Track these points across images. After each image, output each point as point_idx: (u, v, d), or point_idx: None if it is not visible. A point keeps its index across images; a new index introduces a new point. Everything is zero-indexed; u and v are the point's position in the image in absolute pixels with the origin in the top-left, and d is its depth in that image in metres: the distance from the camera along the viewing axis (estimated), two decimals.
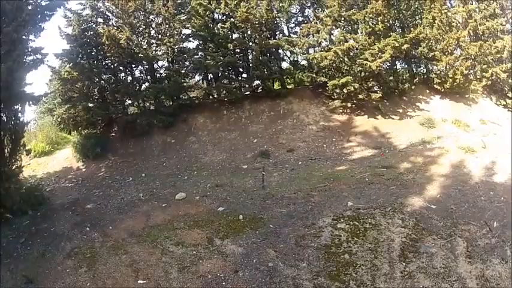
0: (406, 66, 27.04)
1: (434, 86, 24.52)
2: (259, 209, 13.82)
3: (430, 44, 24.20)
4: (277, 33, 26.03)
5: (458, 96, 24.18)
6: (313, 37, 24.12)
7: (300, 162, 19.41)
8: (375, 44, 22.52)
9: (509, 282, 9.82)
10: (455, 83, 23.38)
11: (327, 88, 23.34)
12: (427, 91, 24.86)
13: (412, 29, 24.14)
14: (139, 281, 10.27)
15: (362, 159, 19.08)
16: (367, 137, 21.81)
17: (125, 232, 13.16)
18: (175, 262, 10.85)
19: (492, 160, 16.72)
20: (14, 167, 16.49)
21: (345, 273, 10.16)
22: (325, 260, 10.70)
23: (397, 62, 26.50)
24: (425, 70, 26.31)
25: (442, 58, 23.59)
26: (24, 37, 16.46)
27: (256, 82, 25.12)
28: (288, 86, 26.47)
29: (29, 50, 16.90)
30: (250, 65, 24.62)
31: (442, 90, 24.33)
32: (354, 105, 23.68)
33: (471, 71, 23.99)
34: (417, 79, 25.69)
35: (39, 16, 17.03)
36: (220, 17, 25.28)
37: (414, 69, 27.02)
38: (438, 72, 24.77)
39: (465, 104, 23.92)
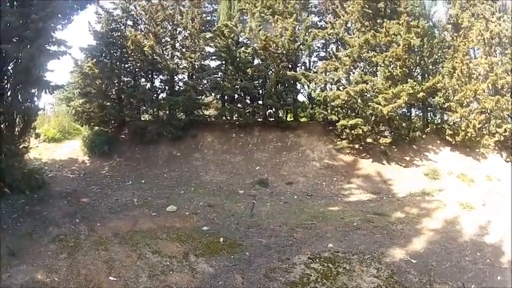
0: (421, 114, 27.09)
1: (446, 137, 24.35)
2: (241, 235, 14.12)
3: (447, 94, 24.11)
4: (298, 65, 26.46)
5: (469, 150, 24.03)
6: (331, 75, 24.38)
7: (295, 196, 19.61)
8: (389, 89, 22.67)
9: None
10: (467, 136, 23.25)
11: (336, 127, 23.54)
12: (438, 141, 24.78)
13: (430, 77, 24.11)
14: (110, 277, 10.78)
15: (357, 202, 19.16)
16: (368, 180, 21.95)
17: (110, 231, 13.71)
18: (147, 268, 11.30)
19: (488, 219, 16.42)
20: (21, 147, 17.26)
21: None
22: None
23: (412, 109, 26.60)
24: (439, 120, 26.22)
25: (458, 109, 23.49)
26: (51, 26, 17.14)
27: (269, 111, 25.45)
28: (300, 119, 26.81)
29: (53, 40, 17.52)
30: (266, 93, 24.94)
31: (453, 142, 24.13)
32: (361, 147, 23.84)
33: (485, 125, 23.83)
34: (429, 128, 25.43)
35: (68, 9, 17.87)
36: (245, 41, 25.81)
37: (429, 118, 26.92)
38: (451, 123, 24.65)
39: (474, 159, 23.76)
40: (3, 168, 15.52)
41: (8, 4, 16.18)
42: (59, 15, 17.58)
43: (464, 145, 23.89)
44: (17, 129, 17.26)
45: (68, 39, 17.68)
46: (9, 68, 16.85)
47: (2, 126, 16.32)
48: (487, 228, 15.53)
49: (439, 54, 25.34)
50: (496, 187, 21.05)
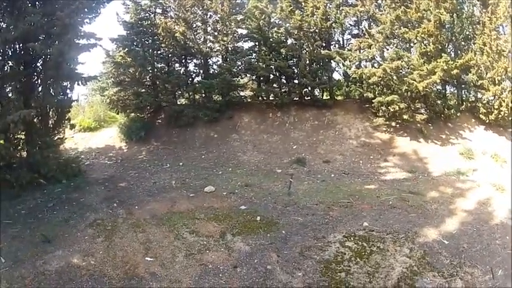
0: (456, 91, 26.83)
1: (480, 115, 23.78)
2: (278, 213, 14.08)
3: (480, 71, 23.46)
4: (332, 43, 26.13)
5: (502, 130, 23.37)
6: (365, 52, 24.05)
7: (332, 175, 19.51)
8: (424, 65, 22.27)
9: None
10: (500, 115, 22.69)
11: (373, 104, 23.35)
12: (473, 120, 24.22)
13: (463, 54, 23.60)
14: (146, 258, 10.85)
15: (393, 181, 18.99)
16: (404, 159, 21.66)
17: (148, 213, 13.79)
18: (184, 248, 11.34)
19: None
20: (56, 138, 17.64)
21: None
22: (321, 274, 10.84)
23: (447, 87, 26.23)
24: (473, 98, 25.58)
25: (490, 88, 22.94)
26: (79, 20, 17.54)
27: (304, 90, 25.26)
28: (336, 98, 26.62)
29: (82, 34, 17.91)
30: (299, 72, 24.73)
31: (487, 121, 23.59)
32: (397, 125, 23.49)
33: None
34: (464, 106, 25.05)
35: (94, 3, 18.25)
36: (277, 21, 25.56)
37: (463, 96, 26.37)
38: (485, 102, 24.04)
39: (507, 139, 22.99)
40: (37, 160, 15.91)
41: (29, 4, 16.46)
42: (86, 10, 17.98)
43: (497, 124, 23.38)
44: (50, 121, 17.68)
45: (98, 31, 18.05)
46: (39, 64, 17.22)
47: (35, 120, 16.50)
48: None
49: (470, 30, 24.70)
50: None
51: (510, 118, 22.58)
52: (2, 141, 15.28)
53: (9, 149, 15.49)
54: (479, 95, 24.60)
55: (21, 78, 16.44)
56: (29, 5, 16.29)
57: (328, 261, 11.28)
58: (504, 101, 22.11)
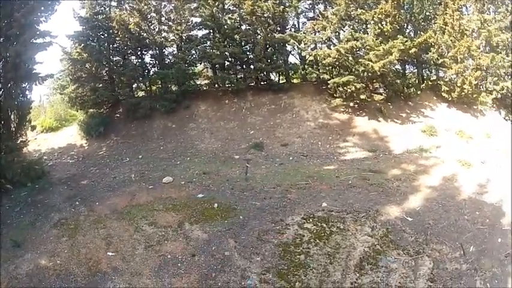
0: (416, 70, 27.25)
1: (442, 93, 24.30)
2: (235, 199, 14.39)
3: (440, 50, 24.05)
4: (287, 27, 26.44)
5: (466, 107, 24.01)
6: (320, 34, 24.34)
7: (290, 158, 19.91)
8: (380, 45, 22.57)
9: None
10: (463, 93, 23.28)
11: (329, 86, 23.58)
12: (435, 98, 24.75)
13: (422, 33, 24.02)
14: (108, 253, 11.27)
15: (353, 160, 19.35)
16: (364, 138, 22.01)
17: (108, 209, 14.17)
18: (144, 240, 11.79)
19: (487, 177, 16.22)
20: (18, 141, 17.69)
21: (294, 274, 10.52)
22: (279, 258, 11.11)
23: (407, 66, 26.68)
24: (435, 77, 26.16)
25: (452, 66, 23.42)
26: (35, 19, 17.64)
27: (260, 75, 25.63)
28: (293, 81, 27.04)
29: (38, 33, 17.98)
30: (254, 57, 25.11)
31: (450, 99, 24.18)
32: (356, 105, 23.87)
33: (481, 82, 23.78)
34: (424, 85, 25.54)
35: (49, 1, 18.23)
36: (230, 8, 25.81)
37: (424, 75, 26.90)
38: (447, 80, 24.49)
39: (472, 116, 23.73)
40: (2, 164, 16.01)
41: None
42: (42, 8, 17.97)
43: (461, 102, 23.95)
44: (12, 125, 17.73)
45: (55, 29, 18.25)
46: None
47: None
48: (486, 186, 15.43)
49: (430, 11, 25.30)
50: (495, 144, 21.00)
51: (474, 95, 23.11)
52: None
53: None
54: (441, 74, 25.27)
55: None
56: None
57: (286, 244, 11.55)
58: (467, 78, 22.65)
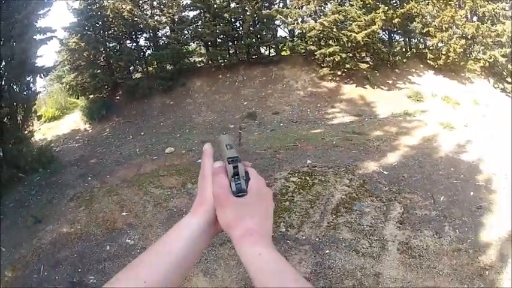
0: (403, 39, 28.57)
1: (428, 61, 25.43)
2: None
3: (425, 20, 25.31)
4: (275, 3, 28.00)
5: (454, 74, 24.99)
6: (305, 8, 25.84)
7: (281, 124, 21.38)
8: (362, 17, 24.07)
9: (435, 257, 9.84)
10: (448, 60, 24.28)
11: (316, 57, 25.02)
12: (422, 66, 25.89)
13: (405, 3, 25.11)
14: (122, 213, 12.73)
15: (339, 124, 20.63)
16: (351, 104, 23.36)
17: (119, 179, 15.57)
18: (152, 200, 13.25)
19: (468, 139, 16.76)
20: (26, 132, 18.91)
21: (279, 216, 11.51)
22: None
23: (394, 35, 28.17)
24: (422, 45, 27.47)
25: (436, 34, 24.62)
26: (35, 16, 19.01)
27: (251, 49, 27.41)
28: (283, 53, 28.53)
29: (39, 29, 19.47)
30: (244, 33, 26.68)
31: (436, 66, 25.22)
32: (343, 74, 25.22)
33: (467, 50, 24.86)
34: (409, 53, 26.88)
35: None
36: None
37: (411, 43, 28.26)
38: (432, 48, 25.67)
39: (459, 82, 24.72)
40: (14, 155, 17.20)
41: None
42: (41, 7, 19.41)
43: (448, 69, 25.03)
44: (19, 117, 18.91)
45: (50, 21, 19.73)
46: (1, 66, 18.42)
47: (5, 119, 17.79)
48: (465, 147, 16.10)
49: None
50: (482, 111, 22.05)
51: (462, 63, 24.39)
52: None
53: None
54: (428, 42, 26.49)
55: None
56: None
57: (274, 194, 12.00)
58: (452, 46, 23.80)
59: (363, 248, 9.95)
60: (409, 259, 9.65)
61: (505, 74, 24.83)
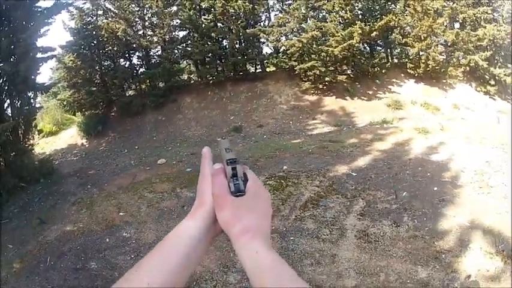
0: (384, 50, 30.56)
1: (408, 70, 27.20)
2: None
3: (403, 31, 27.24)
4: (260, 22, 30.40)
5: (435, 81, 26.70)
6: (284, 27, 27.84)
7: (265, 136, 23.23)
8: (338, 32, 25.99)
9: (390, 242, 10.48)
10: (428, 69, 26.00)
11: (296, 72, 26.97)
12: (402, 75, 27.78)
13: (384, 16, 26.99)
14: (120, 213, 14.21)
15: (318, 134, 22.27)
16: (332, 115, 25.19)
17: (116, 187, 17.05)
18: (146, 202, 14.75)
19: (442, 141, 17.55)
20: (27, 145, 20.24)
21: None
22: None
23: (376, 47, 30.40)
24: (403, 55, 29.57)
25: (415, 44, 26.31)
26: (37, 37, 20.79)
27: (237, 66, 29.58)
28: (268, 70, 30.68)
29: (41, 49, 21.13)
30: (230, 51, 28.75)
31: (416, 75, 26.94)
32: (324, 87, 27.13)
33: (448, 57, 26.53)
34: (389, 63, 28.72)
35: (46, 19, 21.15)
36: (207, 8, 29.43)
37: (390, 54, 30.32)
38: (411, 57, 27.52)
39: (440, 89, 26.48)
40: (18, 165, 18.59)
41: None
42: (41, 26, 20.99)
43: (428, 77, 26.76)
44: (20, 131, 20.07)
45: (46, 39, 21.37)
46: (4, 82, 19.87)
47: (6, 133, 18.56)
48: (437, 148, 16.84)
49: None
50: (462, 114, 23.53)
51: (442, 70, 26.13)
52: None
53: None
54: (410, 52, 28.19)
55: None
56: None
57: None
58: (430, 54, 25.58)
59: (324, 235, 11.26)
60: (364, 243, 10.70)
61: (487, 77, 26.35)
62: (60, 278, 11.16)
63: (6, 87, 19.87)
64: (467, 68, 26.17)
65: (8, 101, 20.16)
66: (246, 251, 1.35)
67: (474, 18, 25.87)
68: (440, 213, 11.55)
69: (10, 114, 20.17)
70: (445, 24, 26.56)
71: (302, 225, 11.88)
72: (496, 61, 26.09)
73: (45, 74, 47.89)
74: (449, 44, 26.56)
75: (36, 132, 22.84)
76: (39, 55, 21.43)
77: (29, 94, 20.99)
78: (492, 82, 26.24)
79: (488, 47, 25.83)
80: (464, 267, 9.29)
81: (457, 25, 27.55)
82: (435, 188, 13.13)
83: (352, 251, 10.46)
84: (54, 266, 11.69)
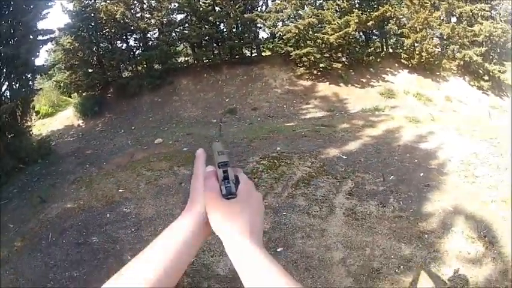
0: (379, 40, 31.14)
1: (402, 60, 27.80)
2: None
3: (399, 22, 27.89)
4: (258, 7, 31.28)
5: (429, 73, 27.27)
6: (281, 13, 28.54)
7: (259, 119, 24.02)
8: (335, 20, 26.68)
9: (376, 220, 11.11)
10: (422, 60, 26.58)
11: (292, 57, 27.60)
12: (396, 65, 28.39)
13: (380, 7, 27.60)
14: (119, 190, 14.78)
15: (311, 118, 22.99)
16: (325, 101, 25.94)
17: (114, 165, 17.64)
18: (144, 179, 15.34)
19: (431, 131, 18.08)
20: (25, 126, 20.92)
21: None
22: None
23: (372, 36, 30.93)
24: (398, 46, 29.87)
25: (410, 35, 26.95)
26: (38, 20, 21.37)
27: (233, 50, 30.15)
28: (264, 54, 31.40)
29: (41, 32, 21.84)
30: (227, 35, 29.51)
31: (410, 65, 27.54)
32: (319, 73, 27.80)
33: (442, 50, 27.12)
34: (384, 53, 29.44)
35: (46, 3, 21.83)
36: None
37: (385, 44, 30.86)
38: (405, 48, 27.93)
39: (434, 81, 27.03)
40: (16, 146, 19.08)
41: None
42: (43, 10, 21.56)
43: (422, 68, 27.35)
44: (17, 112, 20.67)
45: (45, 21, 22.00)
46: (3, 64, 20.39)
47: (5, 115, 19.20)
48: (426, 137, 17.36)
49: None
50: (454, 107, 24.18)
51: (436, 62, 26.73)
52: None
53: None
54: (405, 43, 28.37)
55: None
56: None
57: (246, 173, 14.18)
58: (424, 46, 26.15)
59: (314, 211, 12.00)
60: (352, 220, 11.34)
61: (481, 72, 26.64)
62: (63, 253, 11.67)
63: (4, 70, 20.34)
64: (462, 62, 26.55)
65: (7, 83, 20.57)
66: (237, 251, 1.37)
67: (471, 13, 26.12)
68: (425, 197, 12.17)
69: (8, 96, 20.70)
70: (441, 17, 27.09)
71: (294, 202, 12.57)
72: (491, 57, 26.45)
73: (41, 56, 48.03)
74: (444, 37, 27.04)
75: (34, 114, 23.51)
76: (39, 38, 22.08)
77: (28, 76, 21.56)
78: (486, 77, 26.50)
79: (484, 43, 26.25)
80: (446, 247, 9.83)
81: (453, 19, 27.95)
82: (421, 174, 13.73)
83: (340, 226, 11.16)
84: (56, 242, 12.10)
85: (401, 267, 9.38)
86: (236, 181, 1.54)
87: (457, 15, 27.05)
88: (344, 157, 15.68)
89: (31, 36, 21.01)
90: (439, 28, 26.67)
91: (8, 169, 17.62)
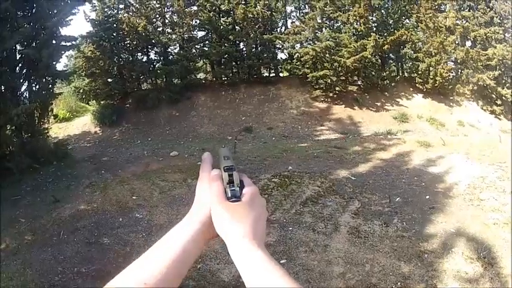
0: (395, 64, 31.74)
1: (417, 85, 28.24)
2: None
3: (415, 46, 28.34)
4: (277, 28, 32.13)
5: (442, 97, 27.71)
6: (299, 35, 29.29)
7: (273, 138, 24.55)
8: (351, 44, 27.32)
9: (378, 239, 11.39)
10: (436, 84, 26.99)
11: (308, 79, 28.25)
12: (411, 89, 28.89)
13: (396, 31, 28.17)
14: (133, 197, 15.30)
15: (324, 140, 23.51)
16: (339, 123, 26.47)
17: (129, 174, 18.10)
18: (158, 189, 15.87)
19: (441, 155, 18.35)
20: (42, 127, 21.23)
21: None
22: None
23: (388, 60, 31.37)
24: (413, 70, 30.13)
25: (425, 60, 27.39)
26: (61, 24, 21.96)
27: (252, 69, 30.72)
28: (281, 75, 32.26)
29: (64, 38, 22.48)
30: (246, 55, 30.27)
31: (424, 90, 27.97)
32: (334, 95, 28.37)
33: (456, 75, 27.58)
34: (399, 77, 29.79)
35: (70, 9, 22.41)
36: (226, 10, 30.72)
37: (400, 68, 31.42)
38: (420, 72, 28.21)
39: (447, 105, 27.44)
40: (34, 146, 19.57)
41: (21, 15, 20.13)
42: (65, 15, 22.14)
43: (436, 92, 27.74)
44: (36, 114, 20.91)
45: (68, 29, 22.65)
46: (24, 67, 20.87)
47: (23, 116, 19.22)
48: (436, 161, 17.66)
49: (403, 10, 29.69)
50: (466, 131, 24.42)
51: (450, 87, 27.09)
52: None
53: (10, 138, 19.34)
54: (419, 67, 28.71)
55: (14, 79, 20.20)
56: (21, 15, 20.05)
57: None
58: (439, 70, 26.52)
59: (319, 228, 12.47)
60: (355, 238, 11.64)
61: (494, 96, 27.05)
62: (73, 250, 12.14)
63: (24, 70, 20.87)
64: (475, 87, 26.94)
65: (26, 83, 21.09)
66: (240, 255, 1.38)
67: (485, 37, 26.59)
68: (428, 219, 12.47)
69: (27, 98, 21.20)
70: (456, 42, 27.59)
71: (301, 219, 13.02)
72: (504, 81, 26.84)
73: (62, 61, 48.87)
74: (458, 61, 27.52)
75: (52, 117, 23.71)
76: (62, 43, 22.75)
77: (48, 79, 22.02)
78: (499, 102, 26.88)
79: (497, 67, 26.60)
80: (445, 267, 10.11)
81: (468, 43, 28.33)
82: (427, 197, 14.04)
83: (343, 243, 11.57)
84: (67, 240, 12.53)
85: (399, 283, 9.72)
86: (241, 185, 1.59)
87: (472, 39, 27.46)
88: (353, 178, 16.06)
89: (54, 41, 21.61)
90: (453, 52, 27.10)
91: (22, 167, 17.88)
